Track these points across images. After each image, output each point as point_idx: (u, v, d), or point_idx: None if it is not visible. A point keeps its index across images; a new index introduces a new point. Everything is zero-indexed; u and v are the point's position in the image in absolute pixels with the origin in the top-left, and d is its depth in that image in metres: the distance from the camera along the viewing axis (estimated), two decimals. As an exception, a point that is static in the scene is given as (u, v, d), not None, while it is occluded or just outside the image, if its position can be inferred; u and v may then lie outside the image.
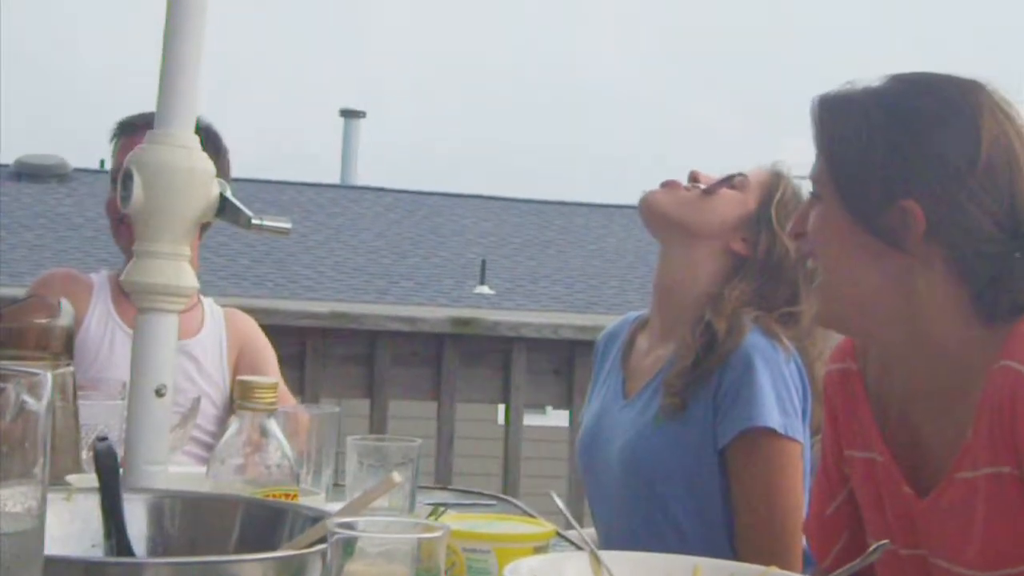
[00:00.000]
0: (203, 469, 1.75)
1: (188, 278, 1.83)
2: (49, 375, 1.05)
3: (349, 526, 1.11)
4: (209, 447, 2.87)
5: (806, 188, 2.42)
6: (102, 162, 18.84)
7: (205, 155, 1.85)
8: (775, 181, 2.45)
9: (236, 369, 3.02)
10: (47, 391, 1.04)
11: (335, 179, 20.30)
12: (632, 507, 2.36)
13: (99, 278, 3.07)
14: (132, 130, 2.95)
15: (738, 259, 2.40)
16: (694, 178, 2.45)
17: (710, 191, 2.42)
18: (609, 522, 2.47)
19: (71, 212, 16.57)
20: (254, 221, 1.83)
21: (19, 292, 3.18)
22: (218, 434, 2.93)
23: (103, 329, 2.94)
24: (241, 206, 1.83)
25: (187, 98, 1.82)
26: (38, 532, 1.04)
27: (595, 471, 2.48)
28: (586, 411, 2.58)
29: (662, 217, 2.44)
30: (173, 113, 1.82)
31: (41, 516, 1.04)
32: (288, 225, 1.88)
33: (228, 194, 1.83)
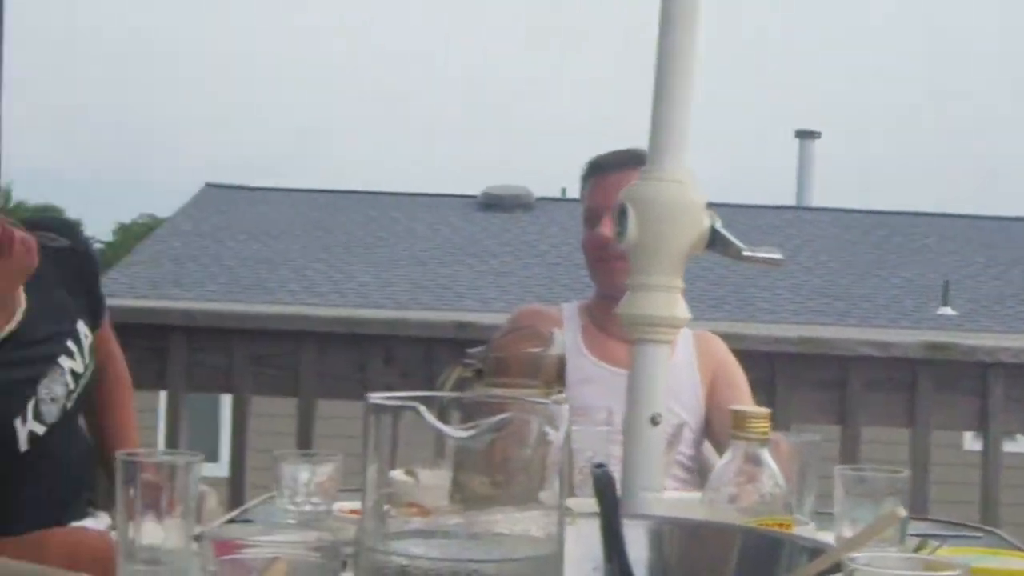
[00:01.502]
0: (689, 495, 1.78)
1: (681, 309, 1.86)
2: (566, 408, 1.10)
3: (864, 562, 1.10)
4: (689, 470, 2.90)
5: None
6: (563, 190, 19.48)
7: (697, 188, 1.88)
8: None
9: (710, 393, 3.02)
10: (565, 422, 1.10)
11: (791, 200, 20.21)
12: None
13: (569, 308, 3.12)
14: (601, 170, 3.01)
15: None
16: None
17: None
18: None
19: (535, 240, 17.17)
20: (745, 252, 1.84)
21: (486, 318, 3.29)
22: (696, 458, 2.95)
23: (568, 359, 3.00)
24: (732, 237, 1.84)
25: (679, 133, 1.86)
26: (558, 558, 1.09)
27: None
28: None
29: None
30: (665, 148, 1.85)
31: (560, 542, 1.09)
32: (780, 256, 1.88)
33: (719, 226, 1.85)
